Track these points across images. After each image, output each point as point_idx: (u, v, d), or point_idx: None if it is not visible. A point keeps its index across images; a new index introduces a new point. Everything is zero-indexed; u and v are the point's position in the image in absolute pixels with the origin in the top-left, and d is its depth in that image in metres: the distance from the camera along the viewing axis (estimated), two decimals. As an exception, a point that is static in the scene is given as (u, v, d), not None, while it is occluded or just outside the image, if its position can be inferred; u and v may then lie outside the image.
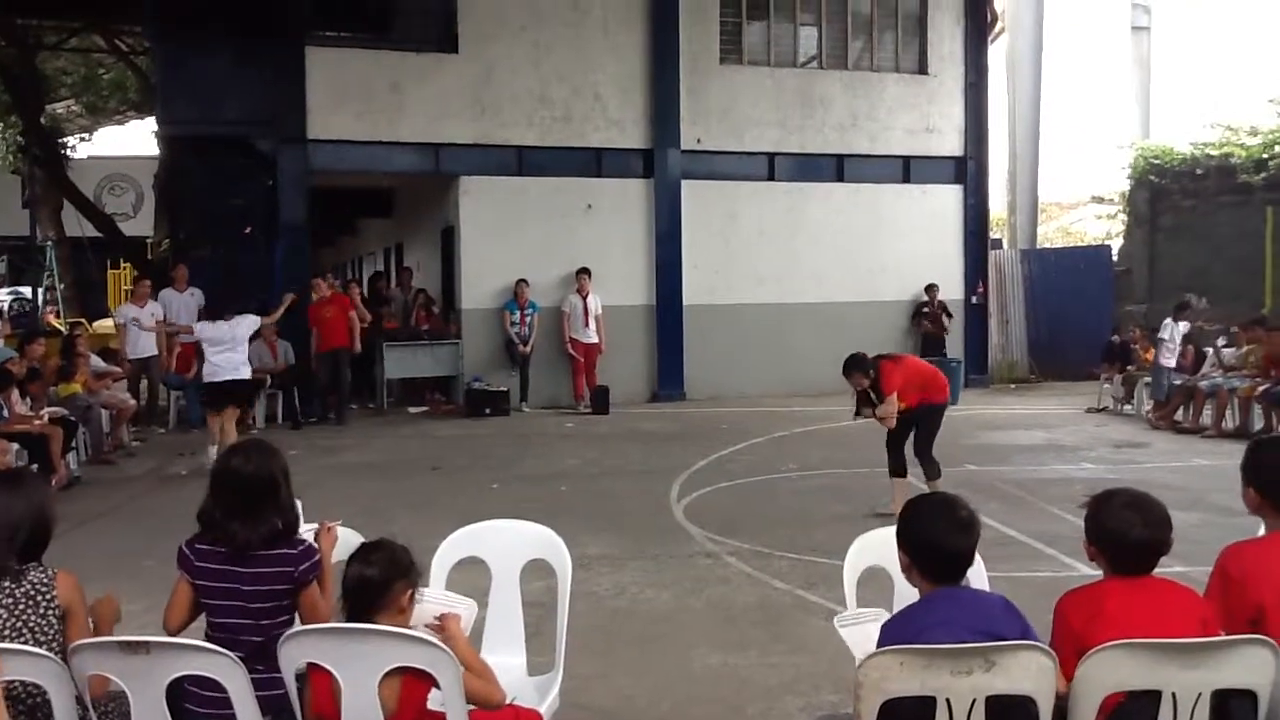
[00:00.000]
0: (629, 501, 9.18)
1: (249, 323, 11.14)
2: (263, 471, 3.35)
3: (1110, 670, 2.78)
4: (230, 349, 10.78)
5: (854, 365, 8.41)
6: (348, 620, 3.03)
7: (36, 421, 9.88)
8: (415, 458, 11.49)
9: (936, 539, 3.00)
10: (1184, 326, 13.81)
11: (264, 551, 3.28)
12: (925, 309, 17.02)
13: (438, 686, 2.91)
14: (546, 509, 7.77)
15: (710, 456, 11.22)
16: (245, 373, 10.96)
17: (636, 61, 16.07)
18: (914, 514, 3.10)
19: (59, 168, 22.60)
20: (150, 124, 21.00)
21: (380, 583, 3.04)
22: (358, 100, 14.92)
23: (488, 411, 14.52)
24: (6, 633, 3.03)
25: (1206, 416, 12.89)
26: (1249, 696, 2.80)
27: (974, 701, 2.71)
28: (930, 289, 17.02)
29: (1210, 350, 14.11)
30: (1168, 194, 20.71)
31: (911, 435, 8.50)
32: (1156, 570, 3.09)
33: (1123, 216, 23.11)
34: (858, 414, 8.68)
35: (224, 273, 14.08)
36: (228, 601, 3.28)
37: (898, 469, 8.55)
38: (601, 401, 14.94)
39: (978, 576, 3.66)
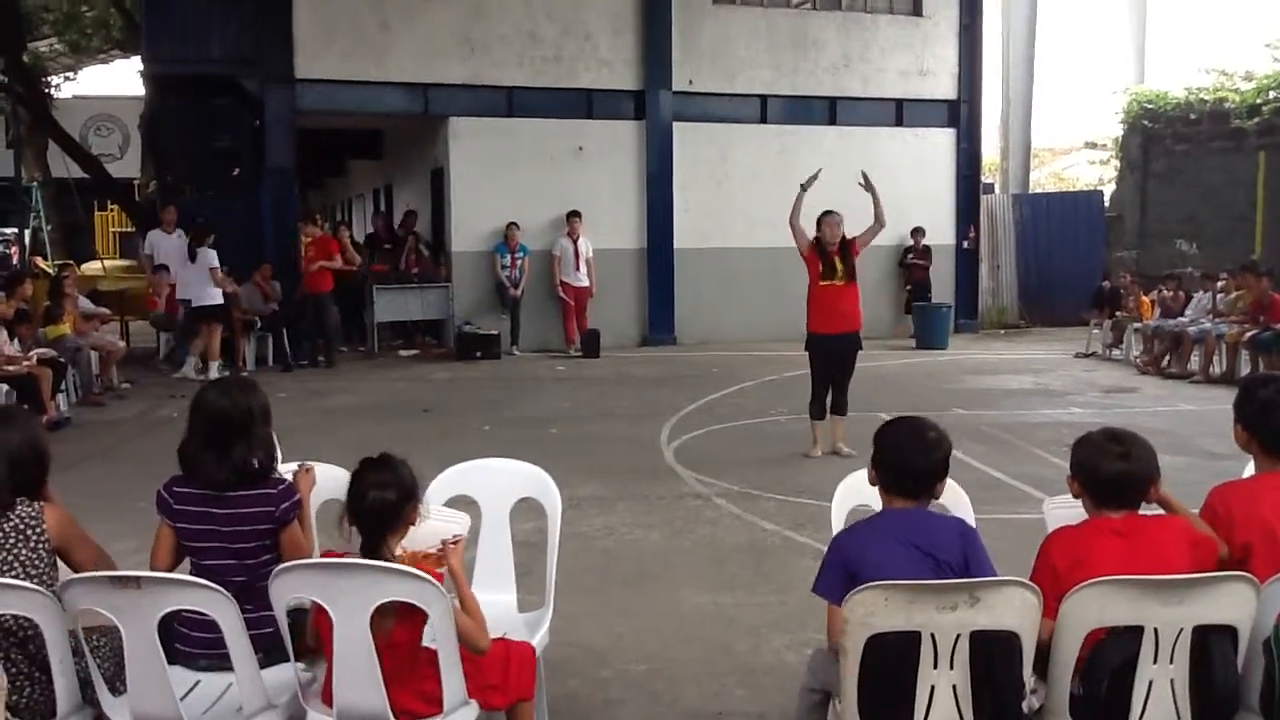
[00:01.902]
0: (619, 444, 9.21)
1: (209, 255, 12.82)
2: (239, 406, 3.33)
3: (1094, 606, 2.82)
4: (198, 277, 12.77)
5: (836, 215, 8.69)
6: (365, 543, 3.06)
7: (25, 363, 9.86)
8: (406, 400, 11.51)
9: (903, 458, 3.18)
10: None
11: (243, 492, 3.28)
12: (910, 254, 16.94)
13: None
14: (537, 451, 7.77)
15: (700, 400, 11.25)
16: (214, 298, 12.79)
17: (628, 0, 15.87)
18: (888, 435, 3.26)
19: (43, 107, 22.29)
20: (135, 63, 20.68)
21: (398, 506, 3.07)
22: (346, 39, 14.74)
23: (478, 355, 14.52)
24: (-3, 566, 3.04)
25: (1194, 362, 12.96)
26: (1229, 632, 2.84)
27: (958, 637, 2.75)
28: (915, 232, 16.93)
29: (1198, 295, 14.13)
30: (1160, 139, 20.63)
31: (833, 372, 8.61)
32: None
33: (1115, 162, 23.03)
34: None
35: (212, 215, 13.98)
36: (209, 543, 3.28)
37: (821, 412, 8.65)
38: (592, 345, 14.94)
39: (963, 515, 3.69)
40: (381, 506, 3.05)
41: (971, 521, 3.67)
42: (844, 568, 3.05)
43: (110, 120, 28.69)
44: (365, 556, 3.02)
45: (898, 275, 17.08)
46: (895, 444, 3.20)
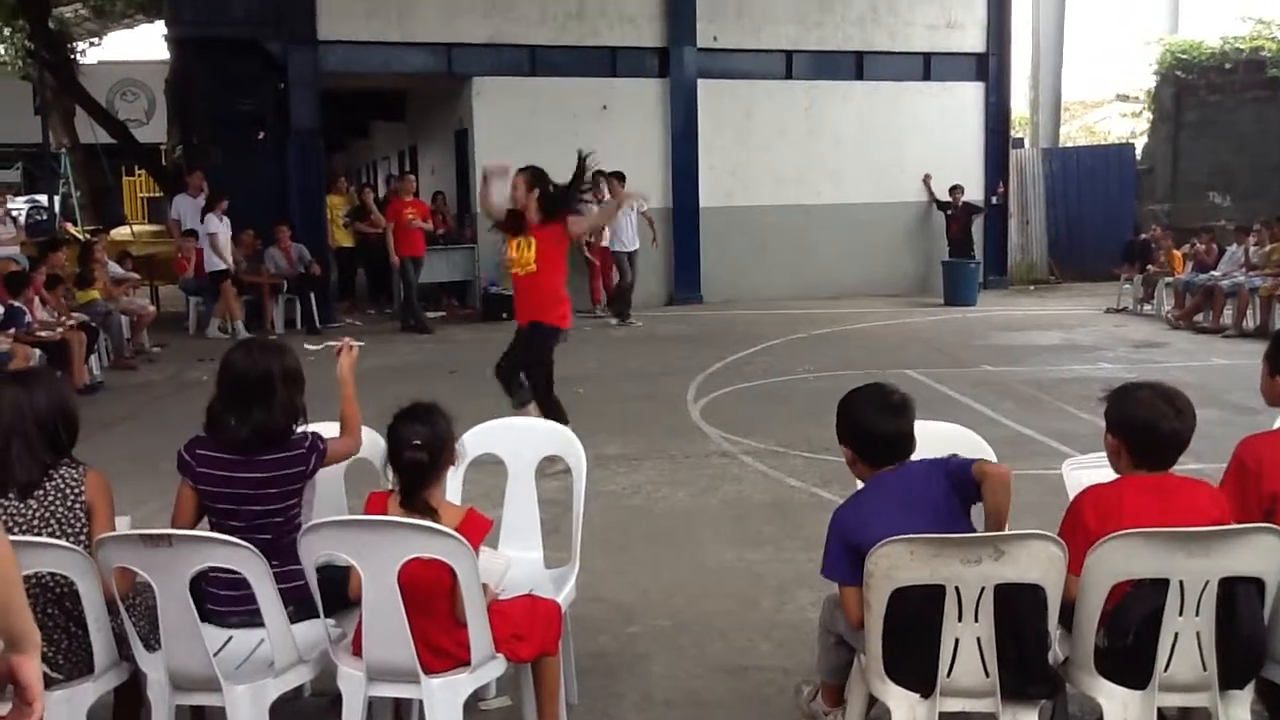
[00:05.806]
0: (646, 403, 9.23)
1: (211, 221, 13.32)
2: (260, 367, 3.34)
3: (1120, 559, 2.81)
4: (207, 242, 13.34)
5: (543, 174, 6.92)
6: (404, 497, 3.16)
7: (59, 329, 9.97)
8: (432, 361, 11.56)
9: (872, 425, 3.15)
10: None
11: (267, 455, 3.30)
12: (949, 209, 16.66)
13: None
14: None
15: (727, 358, 11.23)
16: (219, 263, 13.31)
17: (650, -45, 15.71)
18: (849, 406, 3.23)
19: (69, 73, 22.38)
20: (160, 27, 20.72)
21: (431, 465, 3.18)
22: (367, -1, 14.68)
23: (504, 316, 14.48)
24: (35, 523, 3.08)
25: (1227, 316, 12.81)
26: (1255, 584, 2.83)
27: (983, 590, 2.75)
28: (954, 190, 16.70)
29: (1231, 248, 13.93)
30: (1194, 90, 20.23)
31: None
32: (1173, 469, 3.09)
33: (1147, 115, 22.66)
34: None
35: (237, 178, 14.04)
36: (231, 505, 3.31)
37: (525, 401, 7.04)
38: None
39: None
40: (417, 467, 3.16)
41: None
42: (846, 543, 3.05)
43: (136, 85, 28.76)
44: (403, 504, 3.17)
45: (927, 230, 16.82)
46: (863, 415, 3.18)
